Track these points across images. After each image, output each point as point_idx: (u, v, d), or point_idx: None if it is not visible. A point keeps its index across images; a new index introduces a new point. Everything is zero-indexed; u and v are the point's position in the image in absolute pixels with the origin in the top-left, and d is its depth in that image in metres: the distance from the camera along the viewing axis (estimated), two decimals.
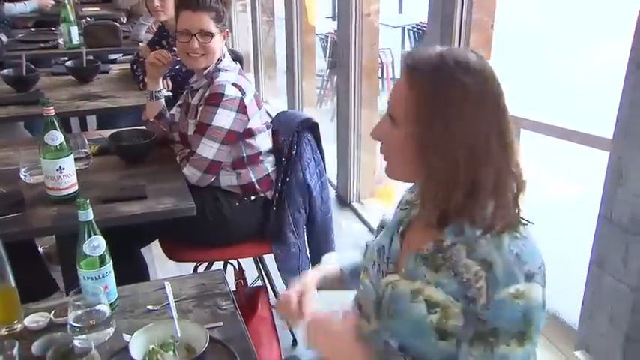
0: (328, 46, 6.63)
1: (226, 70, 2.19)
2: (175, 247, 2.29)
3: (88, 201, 1.34)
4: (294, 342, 2.57)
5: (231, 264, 2.56)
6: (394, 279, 1.14)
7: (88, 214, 1.34)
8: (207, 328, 1.25)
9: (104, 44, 3.86)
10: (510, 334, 0.99)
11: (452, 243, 1.06)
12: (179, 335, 1.22)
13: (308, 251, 2.42)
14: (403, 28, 7.46)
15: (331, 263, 1.44)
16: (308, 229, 2.39)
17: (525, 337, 1.00)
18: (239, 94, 2.13)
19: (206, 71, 2.20)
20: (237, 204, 2.23)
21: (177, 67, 2.89)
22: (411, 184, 1.27)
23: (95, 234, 1.36)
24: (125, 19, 4.88)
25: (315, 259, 2.42)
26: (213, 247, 2.28)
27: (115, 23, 4.17)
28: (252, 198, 2.25)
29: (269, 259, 2.45)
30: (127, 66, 3.62)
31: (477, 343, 1.01)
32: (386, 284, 1.15)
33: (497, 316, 1.00)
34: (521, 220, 1.05)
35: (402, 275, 1.13)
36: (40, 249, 2.66)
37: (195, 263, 2.52)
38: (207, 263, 2.52)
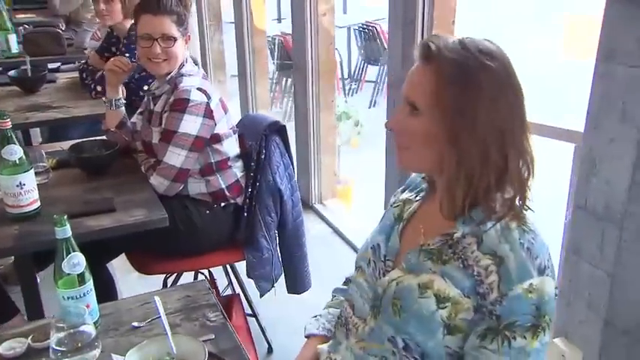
0: (276, 49, 6.61)
1: (190, 74, 2.12)
2: (144, 260, 2.20)
3: (65, 216, 1.26)
4: (270, 349, 2.52)
5: (202, 273, 2.49)
6: (397, 275, 1.13)
7: (65, 231, 1.27)
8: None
9: (47, 52, 3.69)
10: (525, 327, 0.99)
11: (462, 235, 1.05)
12: (175, 351, 1.17)
13: (280, 256, 2.38)
14: (349, 28, 7.51)
15: (315, 329, 1.37)
16: (279, 234, 2.35)
17: (539, 329, 1.00)
18: (205, 99, 2.07)
19: (169, 77, 2.13)
20: (207, 212, 2.17)
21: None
22: (391, 187, 1.26)
23: (74, 251, 1.28)
24: (64, 26, 4.68)
25: (287, 264, 2.40)
26: (184, 257, 2.20)
27: (58, 30, 4.00)
28: (223, 205, 2.19)
29: (240, 266, 2.39)
30: (74, 75, 3.49)
31: (492, 338, 1.01)
32: (389, 281, 1.13)
33: (511, 312, 0.99)
34: (527, 208, 1.06)
35: (403, 271, 1.12)
36: None
37: (164, 276, 2.45)
38: (175, 275, 2.44)
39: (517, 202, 1.05)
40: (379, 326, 1.14)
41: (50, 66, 3.95)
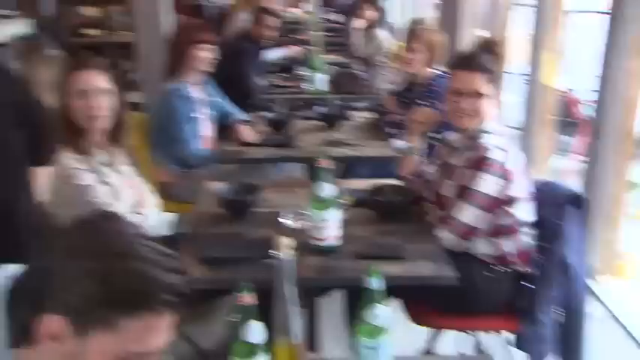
0: (557, 105, 6.27)
1: (493, 132, 2.10)
2: (420, 310, 2.20)
3: (380, 271, 1.32)
4: None
5: (467, 333, 2.42)
6: None
7: (377, 282, 1.32)
8: None
9: (346, 91, 4.01)
10: None
11: None
12: None
13: (556, 334, 2.19)
14: None
15: None
16: (561, 311, 2.17)
17: None
18: (504, 160, 2.02)
19: (471, 132, 2.13)
20: (488, 273, 2.10)
21: None
22: None
23: (380, 303, 1.33)
24: (366, 69, 4.98)
25: (563, 344, 2.19)
26: (456, 314, 2.16)
27: (356, 71, 4.33)
28: (506, 269, 2.10)
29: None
30: (365, 114, 3.69)
31: None
32: None
33: None
34: None
35: None
36: None
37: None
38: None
39: None
40: None
41: (340, 103, 4.28)
